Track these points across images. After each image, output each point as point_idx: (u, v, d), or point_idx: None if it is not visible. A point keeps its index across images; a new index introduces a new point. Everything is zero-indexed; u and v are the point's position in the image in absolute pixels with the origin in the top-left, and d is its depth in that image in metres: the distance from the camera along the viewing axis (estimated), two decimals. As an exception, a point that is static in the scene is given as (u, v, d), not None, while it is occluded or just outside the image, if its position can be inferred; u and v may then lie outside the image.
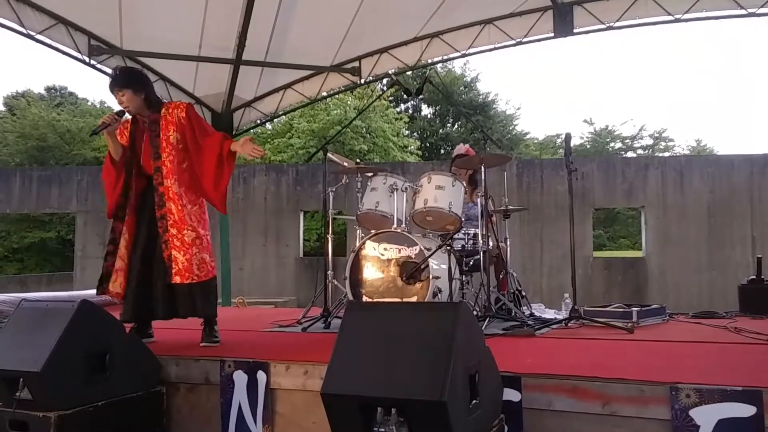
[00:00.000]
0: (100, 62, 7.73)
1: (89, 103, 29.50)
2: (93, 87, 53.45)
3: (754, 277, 5.51)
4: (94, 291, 6.12)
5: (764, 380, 2.39)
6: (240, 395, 3.12)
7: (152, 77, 8.36)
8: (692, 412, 2.30)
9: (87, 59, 7.56)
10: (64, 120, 24.69)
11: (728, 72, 54.67)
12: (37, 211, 14.90)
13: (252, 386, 3.10)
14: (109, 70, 7.92)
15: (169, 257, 3.77)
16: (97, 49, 7.58)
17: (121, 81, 3.88)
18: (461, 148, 5.56)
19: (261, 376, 3.09)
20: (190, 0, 7.19)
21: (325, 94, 9.79)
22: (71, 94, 30.37)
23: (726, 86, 54.57)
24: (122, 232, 3.89)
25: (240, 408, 3.12)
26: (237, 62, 8.16)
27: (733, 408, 2.25)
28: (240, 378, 3.13)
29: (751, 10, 7.08)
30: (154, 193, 3.84)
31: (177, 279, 3.75)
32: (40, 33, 7.05)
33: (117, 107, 4.00)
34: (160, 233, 3.80)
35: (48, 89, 29.94)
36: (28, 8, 6.84)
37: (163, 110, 3.92)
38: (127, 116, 3.96)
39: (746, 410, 2.24)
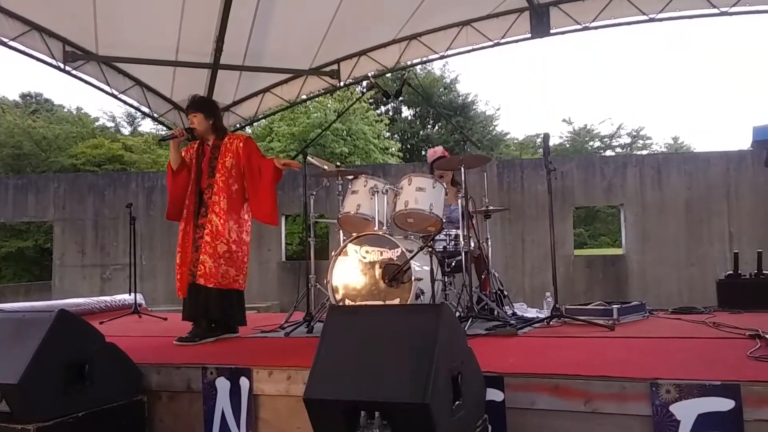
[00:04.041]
0: (75, 68, 7.64)
1: (65, 110, 29.09)
2: (69, 93, 52.74)
3: (732, 272, 5.60)
4: (72, 300, 6.13)
5: (742, 374, 2.42)
6: (223, 402, 3.09)
7: (129, 83, 8.31)
8: (672, 408, 2.32)
9: (62, 65, 7.47)
10: (40, 127, 24.31)
11: (703, 70, 55.48)
12: (14, 220, 14.65)
13: (235, 393, 3.07)
14: (85, 77, 7.87)
15: (197, 260, 4.28)
16: (72, 55, 7.49)
17: (195, 105, 4.54)
18: (437, 152, 5.55)
19: (244, 382, 3.06)
20: (167, 5, 7.13)
21: (304, 97, 9.77)
22: (47, 100, 29.94)
23: (701, 84, 55.39)
24: (182, 237, 4.42)
25: (223, 415, 3.09)
26: (215, 66, 8.11)
27: (712, 402, 2.28)
28: (222, 385, 3.10)
29: (723, 9, 7.19)
30: (202, 205, 4.39)
31: (201, 281, 4.25)
32: (13, 39, 6.95)
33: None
34: (195, 238, 4.34)
35: (23, 96, 29.49)
36: (0, 15, 6.75)
37: (226, 139, 4.51)
38: (194, 136, 4.53)
39: (725, 404, 2.26)
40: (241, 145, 4.46)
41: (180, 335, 4.22)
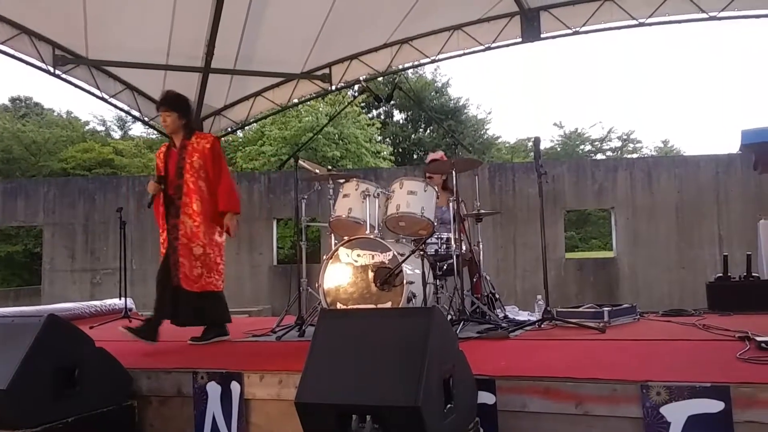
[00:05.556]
0: (65, 72, 7.61)
1: (55, 114, 28.97)
2: (59, 97, 52.63)
3: (721, 274, 5.63)
4: (62, 304, 6.10)
5: (732, 376, 2.43)
6: (214, 407, 3.08)
7: (119, 86, 8.28)
8: (663, 410, 2.33)
9: (52, 69, 7.44)
10: (30, 131, 24.20)
11: (693, 73, 55.91)
12: (3, 225, 14.55)
13: (226, 397, 3.06)
14: (75, 80, 7.83)
15: (176, 262, 4.23)
16: (62, 59, 7.46)
17: (170, 103, 4.38)
18: (435, 155, 5.60)
19: (235, 386, 3.05)
20: (158, 8, 7.12)
21: (296, 101, 9.78)
22: (36, 104, 29.78)
23: (691, 87, 55.83)
24: (161, 243, 4.38)
25: (214, 420, 3.07)
26: (206, 70, 8.10)
27: (702, 404, 2.29)
28: (213, 389, 3.09)
29: (712, 14, 7.26)
30: (171, 205, 4.31)
31: (182, 284, 4.21)
32: (2, 43, 6.93)
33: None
34: (170, 240, 4.28)
35: (12, 100, 29.32)
36: (-11, 18, 6.72)
37: (193, 138, 4.37)
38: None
39: (715, 406, 2.27)
40: (207, 146, 4.34)
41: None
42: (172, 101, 4.40)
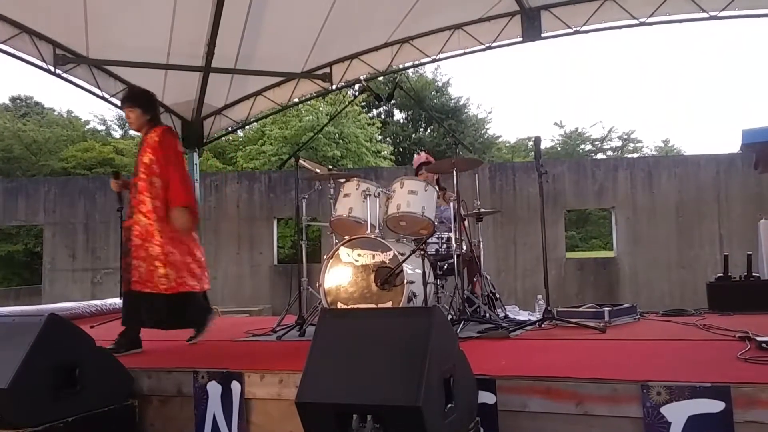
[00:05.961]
0: (65, 71, 7.61)
1: (56, 113, 28.93)
2: (59, 96, 52.60)
3: (722, 274, 5.63)
4: (63, 304, 6.10)
5: (732, 376, 2.43)
6: (214, 406, 3.08)
7: (119, 86, 8.27)
8: (663, 410, 2.33)
9: (52, 69, 7.43)
10: (30, 130, 24.17)
11: (693, 73, 55.83)
12: (4, 224, 14.56)
13: (226, 397, 3.06)
14: (76, 80, 7.83)
15: (129, 265, 4.00)
16: (62, 58, 7.46)
17: (133, 99, 4.21)
18: (421, 157, 5.63)
19: (235, 386, 3.05)
20: (158, 7, 7.11)
21: (296, 100, 9.77)
22: (37, 104, 29.73)
23: (691, 87, 55.72)
24: None
25: (215, 419, 3.07)
26: (206, 70, 8.10)
27: (702, 404, 2.29)
28: (214, 389, 3.09)
29: (712, 13, 7.25)
30: (129, 206, 4.14)
31: (137, 287, 3.96)
32: (3, 42, 6.92)
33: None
34: (123, 242, 4.09)
35: (13, 99, 29.27)
36: (-10, 18, 6.72)
37: (150, 133, 4.16)
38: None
39: (715, 406, 2.27)
40: (156, 139, 4.10)
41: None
42: (134, 97, 4.26)
